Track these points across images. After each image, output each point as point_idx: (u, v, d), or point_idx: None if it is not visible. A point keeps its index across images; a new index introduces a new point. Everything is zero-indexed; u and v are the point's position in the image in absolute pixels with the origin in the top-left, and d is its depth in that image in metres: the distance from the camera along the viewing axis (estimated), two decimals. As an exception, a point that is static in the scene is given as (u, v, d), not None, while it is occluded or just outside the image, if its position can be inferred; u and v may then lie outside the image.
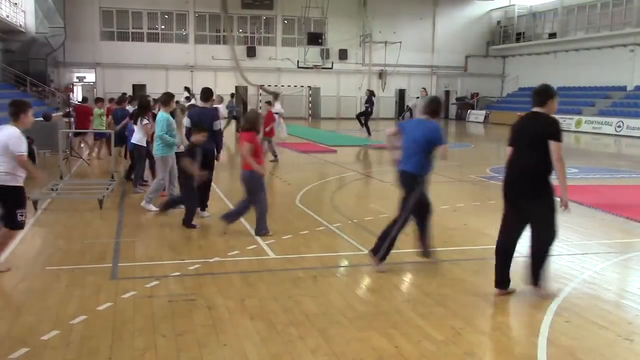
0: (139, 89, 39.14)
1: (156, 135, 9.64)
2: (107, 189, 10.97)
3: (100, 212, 9.81)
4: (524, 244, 6.23)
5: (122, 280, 6.34)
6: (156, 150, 9.77)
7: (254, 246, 7.68)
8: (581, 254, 7.71)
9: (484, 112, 41.99)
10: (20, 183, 6.43)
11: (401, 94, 44.38)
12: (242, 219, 9.02)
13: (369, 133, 25.43)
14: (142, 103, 11.69)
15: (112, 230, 8.53)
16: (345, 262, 7.40)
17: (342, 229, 8.72)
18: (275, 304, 5.69)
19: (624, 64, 34.85)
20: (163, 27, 40.52)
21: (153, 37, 40.10)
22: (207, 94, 10.12)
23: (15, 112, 6.43)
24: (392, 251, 7.58)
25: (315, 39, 40.98)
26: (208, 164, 9.14)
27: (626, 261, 7.51)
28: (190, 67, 40.01)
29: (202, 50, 40.38)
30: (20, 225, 6.51)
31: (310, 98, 42.41)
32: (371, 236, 8.34)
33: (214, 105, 11.86)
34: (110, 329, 5.04)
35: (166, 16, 40.30)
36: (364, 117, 26.59)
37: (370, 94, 26.85)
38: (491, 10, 45.73)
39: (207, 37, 41.08)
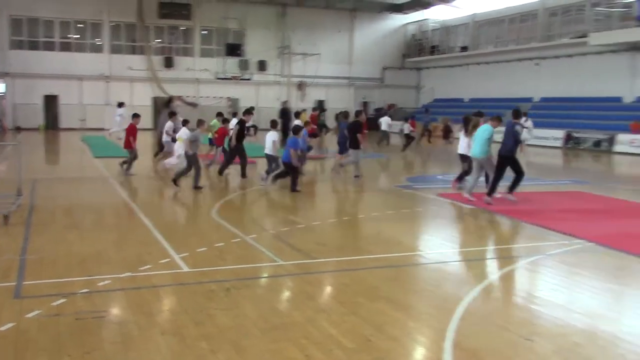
0: (51, 99, 37.82)
1: None
2: (14, 204, 10.53)
3: (5, 228, 9.40)
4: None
5: (27, 299, 6.10)
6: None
7: (167, 260, 7.57)
8: (487, 259, 8.03)
9: (400, 122, 42.91)
10: None
11: (320, 105, 44.76)
12: (155, 231, 8.91)
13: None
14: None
15: (17, 247, 8.19)
16: (259, 274, 7.40)
17: (258, 240, 8.72)
18: (187, 317, 5.63)
19: (530, 77, 36.60)
20: (77, 36, 39.28)
21: (66, 47, 38.76)
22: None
23: None
24: (308, 261, 7.69)
25: (234, 50, 40.84)
26: None
27: (529, 265, 7.87)
28: (105, 77, 38.96)
29: (118, 61, 39.39)
30: None
31: (229, 109, 42.11)
32: (287, 247, 8.41)
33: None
34: (12, 351, 4.85)
35: (80, 25, 39.08)
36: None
37: (284, 104, 27.01)
38: (406, 23, 47.00)
39: (122, 47, 40.11)
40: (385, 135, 28.01)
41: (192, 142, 13.72)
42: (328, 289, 6.82)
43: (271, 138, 14.61)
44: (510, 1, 38.15)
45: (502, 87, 38.46)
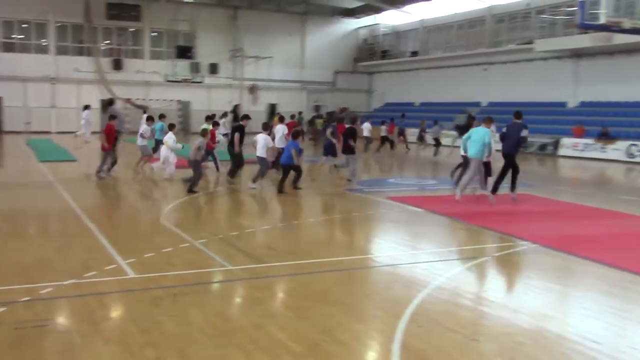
0: (-7, 101, 36.71)
1: None
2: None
3: (-58, 235, 9.06)
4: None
5: (-36, 309, 5.88)
6: None
7: (113, 266, 7.41)
8: (435, 261, 8.13)
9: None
10: None
11: (272, 108, 44.71)
12: (101, 237, 8.74)
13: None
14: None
15: (-45, 255, 7.90)
16: (208, 279, 7.31)
17: (207, 245, 8.62)
18: (133, 325, 5.51)
19: (478, 81, 37.35)
20: (21, 36, 38.21)
21: (9, 47, 37.64)
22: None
23: None
24: (257, 265, 7.67)
25: (184, 52, 40.39)
26: None
27: (475, 266, 8.01)
28: (51, 79, 37.96)
29: (64, 62, 38.45)
30: None
31: (180, 112, 41.64)
32: (236, 251, 8.35)
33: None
34: (-54, 363, 4.66)
35: (24, 25, 38.03)
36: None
37: (235, 107, 26.95)
38: (358, 28, 47.38)
39: (69, 48, 39.19)
40: (369, 141, 28.21)
41: (198, 149, 14.03)
42: (277, 294, 6.79)
43: (263, 140, 14.57)
44: (459, 7, 38.87)
45: (452, 91, 39.13)
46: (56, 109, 38.27)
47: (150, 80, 40.37)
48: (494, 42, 36.83)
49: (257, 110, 43.68)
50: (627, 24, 13.77)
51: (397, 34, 45.48)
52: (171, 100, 40.81)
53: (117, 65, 39.68)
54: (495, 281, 7.57)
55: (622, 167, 24.26)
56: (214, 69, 42.26)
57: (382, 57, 45.69)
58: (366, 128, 28.57)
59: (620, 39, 20.48)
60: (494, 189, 13.08)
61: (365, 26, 47.22)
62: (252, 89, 43.71)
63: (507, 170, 13.20)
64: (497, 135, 13.48)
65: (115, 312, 5.95)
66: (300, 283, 7.11)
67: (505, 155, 13.21)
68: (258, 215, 12.06)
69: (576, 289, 7.30)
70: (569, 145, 28.28)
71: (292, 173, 14.41)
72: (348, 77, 47.47)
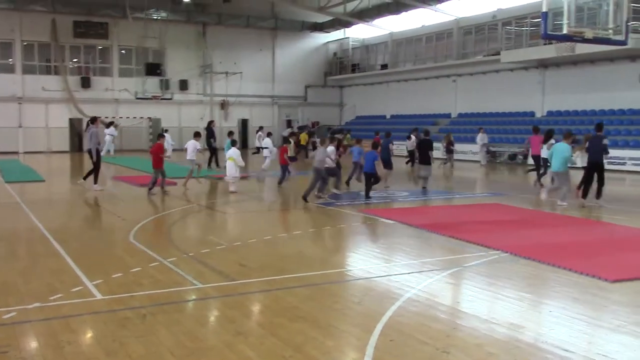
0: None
1: None
2: None
3: None
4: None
5: None
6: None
7: (79, 288, 7.24)
8: (407, 273, 8.12)
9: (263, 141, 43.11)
10: None
11: (244, 123, 44.60)
12: (68, 258, 8.59)
13: (217, 165, 25.15)
14: None
15: None
16: (177, 299, 7.18)
17: (177, 264, 8.49)
18: (99, 348, 5.38)
19: (448, 93, 37.74)
20: (-14, 55, 37.69)
21: (-26, 67, 37.13)
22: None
23: None
24: (228, 283, 7.58)
25: (153, 69, 40.09)
26: None
27: (447, 277, 8.01)
28: (18, 98, 37.45)
29: (31, 81, 37.98)
30: None
31: (150, 129, 41.28)
32: (206, 269, 8.24)
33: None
34: None
35: (-11, 45, 37.54)
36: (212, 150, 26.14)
37: (210, 123, 26.87)
38: (328, 42, 47.61)
39: (36, 67, 38.74)
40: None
41: (320, 161, 15.23)
42: (247, 311, 6.70)
43: (324, 153, 15.42)
44: (427, 20, 39.32)
45: (422, 103, 39.47)
46: (23, 128, 37.72)
47: (119, 98, 40.07)
48: (461, 53, 37.32)
49: (229, 126, 43.60)
50: (589, 34, 14.03)
51: (367, 48, 45.83)
52: (141, 118, 40.50)
53: (86, 84, 39.29)
54: (467, 292, 7.57)
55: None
56: (184, 85, 42.08)
57: (353, 71, 45.95)
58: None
59: (583, 48, 20.89)
60: (585, 194, 14.48)
61: (334, 40, 47.49)
62: (223, 105, 43.59)
63: (592, 176, 14.50)
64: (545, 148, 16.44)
65: (81, 336, 5.80)
66: (272, 299, 7.03)
67: (592, 164, 14.48)
68: (229, 232, 11.95)
69: (547, 297, 7.33)
70: (538, 154, 28.60)
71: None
72: (319, 91, 47.62)
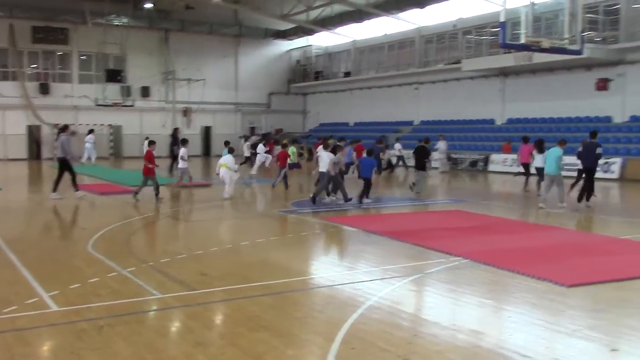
0: None
1: None
2: None
3: None
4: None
5: None
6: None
7: (35, 299, 7.06)
8: (369, 281, 8.14)
9: (247, 150, 43.06)
10: None
11: (207, 131, 44.30)
12: (23, 269, 8.37)
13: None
14: None
15: None
16: (136, 309, 7.06)
17: (136, 274, 8.35)
18: (54, 361, 5.25)
19: (410, 101, 38.13)
20: (-60, 61, 36.71)
21: None
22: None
23: None
24: (188, 292, 7.50)
25: (114, 75, 39.59)
26: None
27: (408, 284, 8.05)
28: (-27, 105, 36.58)
29: (-12, 87, 37.15)
30: None
31: (111, 137, 40.71)
32: (166, 279, 8.13)
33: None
34: None
35: (-57, 50, 36.58)
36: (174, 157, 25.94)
37: (175, 131, 26.70)
38: (291, 49, 47.68)
39: (-7, 72, 37.92)
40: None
41: (335, 164, 15.73)
42: (208, 321, 6.61)
43: (327, 158, 15.84)
44: (389, 29, 39.69)
45: (385, 111, 39.78)
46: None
47: (79, 104, 39.43)
48: (423, 62, 37.75)
49: (191, 134, 43.28)
50: (545, 43, 14.35)
51: (330, 55, 46.03)
52: (102, 125, 39.87)
53: (44, 90, 38.59)
54: (428, 298, 7.61)
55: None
56: (145, 92, 41.63)
57: (316, 78, 46.11)
58: (397, 148, 29.56)
59: (541, 57, 21.33)
60: (580, 199, 15.28)
61: (298, 48, 47.61)
62: (186, 112, 43.24)
63: (588, 181, 15.31)
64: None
65: (36, 349, 5.65)
66: (233, 309, 6.97)
67: (585, 170, 15.31)
68: (190, 241, 11.81)
69: (506, 303, 7.42)
70: (498, 161, 29.11)
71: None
72: (282, 99, 47.63)
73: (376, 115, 40.46)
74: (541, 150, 17.46)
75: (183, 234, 12.81)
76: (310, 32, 44.48)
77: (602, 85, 27.82)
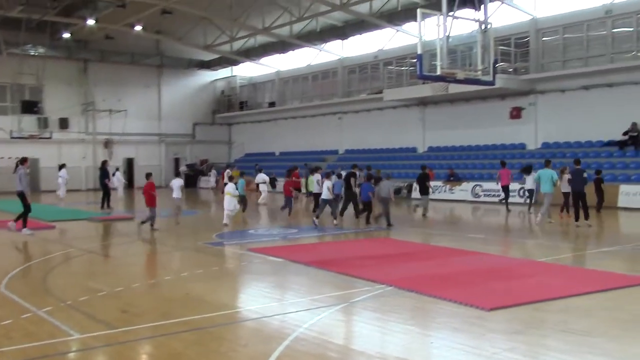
0: None
1: None
2: None
3: None
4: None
5: None
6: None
7: (-60, 346, 6.65)
8: (295, 312, 8.10)
9: (213, 178, 42.83)
10: None
11: (130, 162, 43.31)
12: None
13: (109, 206, 24.62)
14: None
15: None
16: (51, 352, 6.74)
17: (52, 313, 8.00)
18: (-40, 412, 4.94)
19: (334, 130, 38.67)
20: None
21: None
22: None
23: None
24: (108, 332, 7.26)
25: (31, 107, 38.18)
26: None
27: (335, 314, 8.06)
28: None
29: None
30: None
31: (28, 170, 39.03)
32: (85, 318, 7.83)
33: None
34: None
35: None
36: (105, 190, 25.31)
37: (104, 164, 26.27)
38: (215, 80, 47.56)
39: None
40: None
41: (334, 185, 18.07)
42: (128, 359, 6.41)
43: (327, 183, 17.99)
44: (312, 60, 40.28)
45: (310, 140, 40.14)
46: None
47: (-8, 137, 37.77)
48: (347, 92, 38.45)
49: (113, 165, 42.20)
50: (460, 74, 14.87)
51: (254, 86, 46.19)
52: (17, 158, 38.21)
53: (-45, 122, 36.76)
54: (354, 327, 7.65)
55: (469, 207, 25.94)
56: (64, 123, 40.40)
57: (241, 108, 46.09)
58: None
59: (457, 88, 22.12)
60: (577, 218, 16.98)
61: (222, 78, 47.56)
62: (107, 144, 42.19)
63: (579, 203, 16.97)
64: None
65: (-60, 399, 5.31)
66: (155, 346, 6.78)
67: (576, 193, 17.03)
68: (110, 277, 11.43)
69: (429, 329, 7.55)
70: (421, 188, 29.70)
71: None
72: (207, 129, 47.29)
73: (301, 144, 40.75)
74: (528, 173, 20.15)
75: (103, 270, 12.39)
76: (234, 62, 44.55)
77: (516, 113, 29.12)
